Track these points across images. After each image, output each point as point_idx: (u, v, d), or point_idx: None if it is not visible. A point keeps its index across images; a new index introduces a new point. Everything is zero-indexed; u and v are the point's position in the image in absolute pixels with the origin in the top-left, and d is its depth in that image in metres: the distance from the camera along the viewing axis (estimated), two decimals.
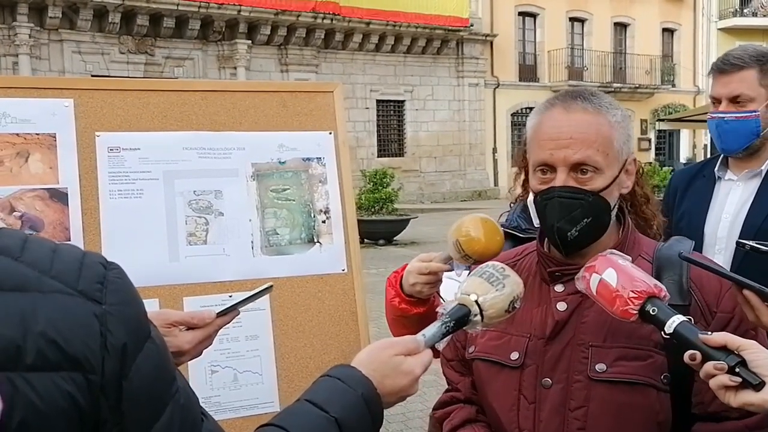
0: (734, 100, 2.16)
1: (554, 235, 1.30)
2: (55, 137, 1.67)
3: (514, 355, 1.34)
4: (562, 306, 1.32)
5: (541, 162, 1.30)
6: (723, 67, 2.19)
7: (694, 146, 29.08)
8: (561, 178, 1.27)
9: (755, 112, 2.14)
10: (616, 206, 1.33)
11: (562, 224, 1.28)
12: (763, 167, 2.19)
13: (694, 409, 1.22)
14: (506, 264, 1.38)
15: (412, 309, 1.69)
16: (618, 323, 1.23)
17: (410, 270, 1.65)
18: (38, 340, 0.69)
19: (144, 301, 0.82)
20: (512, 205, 2.14)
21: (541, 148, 1.30)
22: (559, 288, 1.34)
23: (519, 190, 2.08)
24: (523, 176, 2.06)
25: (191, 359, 1.29)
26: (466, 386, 1.48)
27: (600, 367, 1.24)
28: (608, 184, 1.27)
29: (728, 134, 2.18)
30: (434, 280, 1.65)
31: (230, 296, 1.73)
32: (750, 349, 1.01)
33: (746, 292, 1.16)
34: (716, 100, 2.22)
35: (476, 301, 1.16)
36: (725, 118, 2.18)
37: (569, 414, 1.26)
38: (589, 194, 1.26)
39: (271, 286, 1.40)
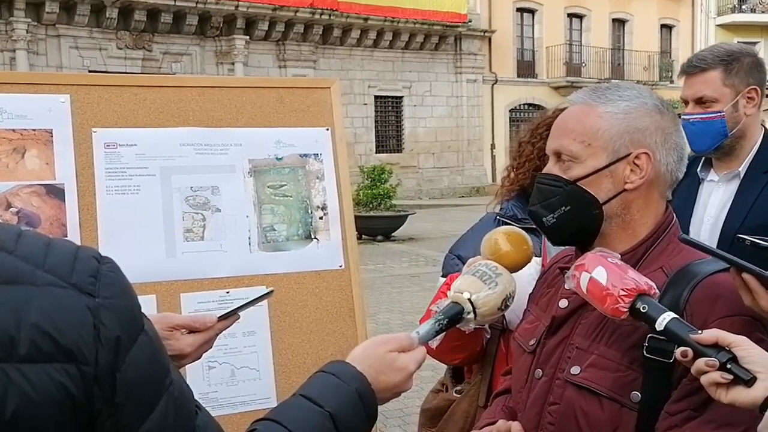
0: (699, 101, 2.17)
1: (532, 219, 1.36)
2: (51, 133, 1.67)
3: (532, 341, 1.38)
4: (563, 303, 1.33)
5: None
6: (687, 69, 2.20)
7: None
8: (548, 167, 1.33)
9: (720, 113, 2.13)
10: (616, 202, 1.27)
11: (536, 208, 1.33)
12: (740, 168, 2.18)
13: None
14: (561, 260, 1.43)
15: None
16: (609, 330, 1.23)
17: None
18: (32, 331, 0.70)
19: (141, 297, 0.83)
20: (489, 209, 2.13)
21: None
22: (568, 285, 1.33)
23: (497, 207, 2.09)
24: (512, 174, 2.08)
25: (192, 362, 1.30)
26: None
27: (574, 369, 1.25)
28: (587, 174, 1.26)
29: (695, 135, 2.18)
30: None
31: (227, 292, 1.73)
32: (741, 345, 1.01)
33: (745, 275, 1.14)
34: (685, 102, 2.23)
35: (469, 299, 1.17)
36: (690, 120, 2.18)
37: (546, 408, 1.29)
38: (565, 182, 1.28)
39: (272, 291, 1.41)
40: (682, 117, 2.22)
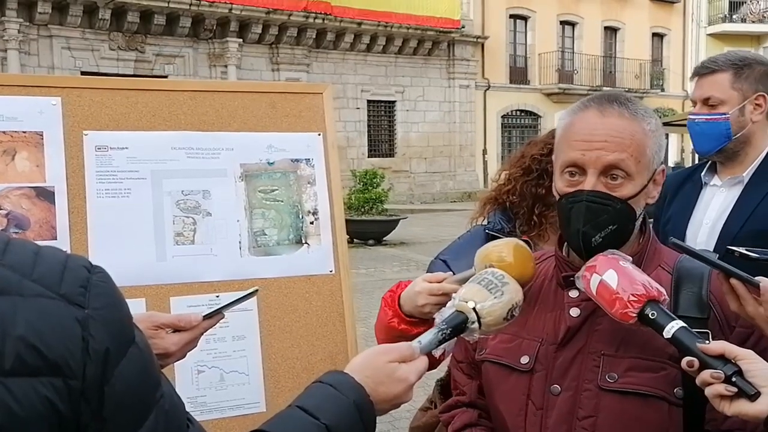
0: (706, 102, 2.20)
1: (579, 240, 1.24)
2: (42, 135, 1.67)
3: (524, 359, 1.32)
4: (575, 312, 1.29)
5: (570, 162, 1.25)
6: (699, 71, 2.25)
7: (683, 150, 29.25)
8: (591, 182, 1.22)
9: (725, 114, 2.15)
10: (641, 216, 1.29)
11: (587, 229, 1.23)
12: (744, 174, 2.19)
13: (707, 426, 1.20)
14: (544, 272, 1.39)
15: (413, 329, 1.57)
16: (632, 333, 1.22)
17: (420, 291, 1.54)
18: (17, 344, 0.68)
19: (130, 300, 0.81)
20: (473, 223, 2.07)
21: (572, 148, 1.25)
22: (573, 293, 1.30)
23: (480, 220, 2.02)
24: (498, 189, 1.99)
25: (176, 361, 1.29)
26: (472, 390, 1.46)
27: (611, 376, 1.22)
28: (637, 192, 1.24)
29: (699, 136, 2.22)
30: (445, 300, 1.53)
31: (217, 296, 1.73)
32: (747, 359, 1.01)
33: (733, 281, 1.16)
34: (694, 103, 2.28)
35: (474, 309, 1.13)
36: (695, 120, 2.22)
37: (577, 423, 1.24)
38: (617, 201, 1.22)
39: (257, 290, 1.40)
40: (688, 117, 2.27)
